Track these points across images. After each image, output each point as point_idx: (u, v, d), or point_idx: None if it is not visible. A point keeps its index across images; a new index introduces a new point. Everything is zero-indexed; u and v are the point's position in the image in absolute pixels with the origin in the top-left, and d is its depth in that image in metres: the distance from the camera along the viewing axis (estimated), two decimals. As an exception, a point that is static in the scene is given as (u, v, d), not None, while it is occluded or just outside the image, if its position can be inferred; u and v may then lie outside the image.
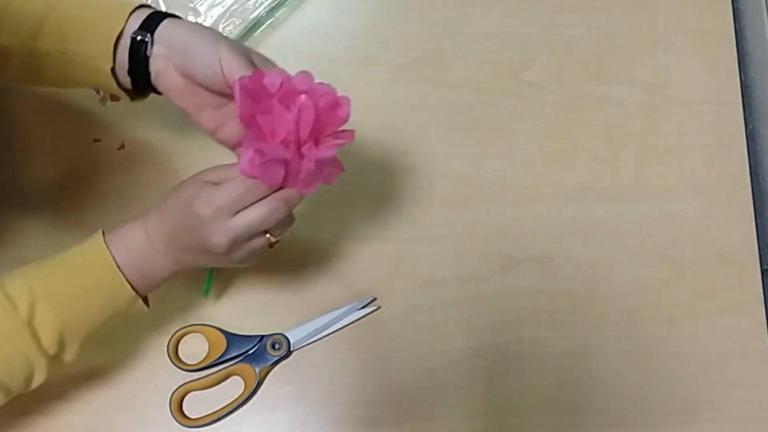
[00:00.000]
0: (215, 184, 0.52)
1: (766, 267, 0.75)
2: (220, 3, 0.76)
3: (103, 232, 0.55)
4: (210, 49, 0.53)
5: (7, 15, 0.55)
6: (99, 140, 0.72)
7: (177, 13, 0.58)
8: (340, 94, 0.52)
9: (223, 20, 0.75)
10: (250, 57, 0.54)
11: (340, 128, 0.53)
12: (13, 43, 0.56)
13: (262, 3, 0.76)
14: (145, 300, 0.57)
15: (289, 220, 0.55)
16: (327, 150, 0.51)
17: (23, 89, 0.71)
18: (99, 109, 0.73)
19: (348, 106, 0.52)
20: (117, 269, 0.54)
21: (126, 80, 0.57)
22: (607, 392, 0.69)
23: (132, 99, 0.59)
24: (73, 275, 0.54)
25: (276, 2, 0.76)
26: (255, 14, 0.76)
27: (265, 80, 0.51)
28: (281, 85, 0.51)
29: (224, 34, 0.58)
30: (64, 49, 0.56)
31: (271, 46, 0.76)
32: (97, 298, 0.54)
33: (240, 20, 0.75)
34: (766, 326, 0.72)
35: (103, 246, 0.54)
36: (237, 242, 0.52)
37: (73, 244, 0.66)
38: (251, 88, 0.50)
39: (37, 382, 0.54)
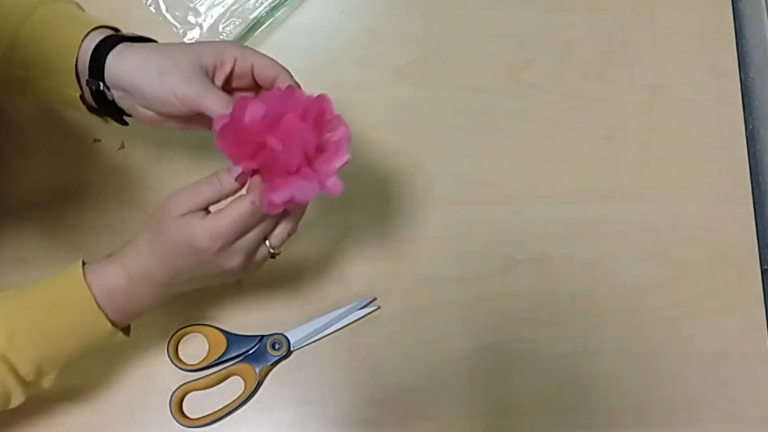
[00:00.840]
0: (202, 209, 0.51)
1: (766, 267, 0.75)
2: (220, 3, 0.76)
3: (83, 266, 0.53)
4: (159, 86, 0.52)
5: None
6: (99, 140, 0.72)
7: (128, 33, 0.57)
8: (310, 95, 0.51)
9: (223, 20, 0.75)
10: (201, 71, 0.53)
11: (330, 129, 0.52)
12: None
13: (262, 3, 0.76)
14: (127, 329, 0.57)
15: (291, 231, 0.55)
16: (340, 159, 0.50)
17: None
18: (99, 109, 0.73)
19: (329, 113, 0.51)
20: (99, 311, 0.53)
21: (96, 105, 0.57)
22: (607, 392, 0.69)
23: (115, 121, 0.59)
24: (52, 312, 0.53)
25: (276, 2, 0.76)
26: (255, 14, 0.76)
27: (246, 120, 0.49)
28: (264, 117, 0.49)
29: (187, 40, 0.56)
30: (34, 76, 0.56)
31: (271, 46, 0.76)
32: (77, 334, 0.54)
33: (240, 20, 0.75)
34: (766, 326, 0.72)
35: (85, 287, 0.52)
36: (249, 257, 0.52)
37: (72, 245, 0.66)
38: (232, 136, 0.49)
39: (14, 404, 0.54)
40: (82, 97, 0.57)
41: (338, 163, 0.50)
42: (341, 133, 0.51)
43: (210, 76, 0.54)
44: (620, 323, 0.71)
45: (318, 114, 0.50)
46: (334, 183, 0.50)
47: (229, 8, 0.76)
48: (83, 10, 0.61)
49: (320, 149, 0.51)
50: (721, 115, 0.78)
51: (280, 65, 0.55)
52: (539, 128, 0.76)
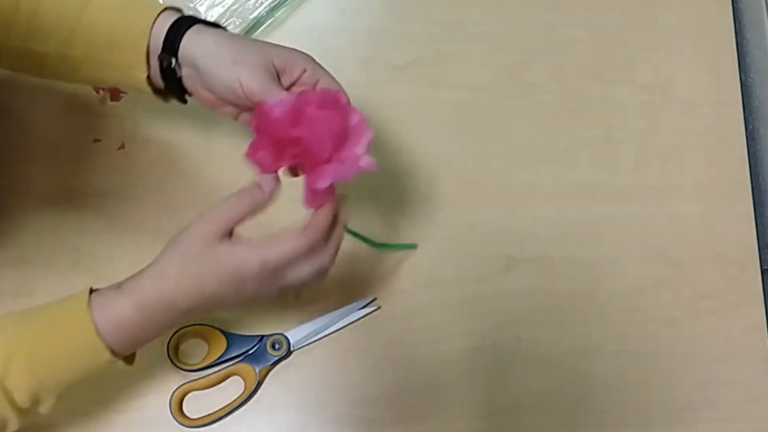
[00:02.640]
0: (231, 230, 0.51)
1: (766, 267, 0.75)
2: (220, 3, 0.76)
3: (89, 295, 0.51)
4: (228, 72, 0.53)
5: (38, 22, 0.55)
6: (99, 140, 0.72)
7: (196, 15, 0.57)
8: (340, 95, 0.53)
9: (223, 20, 0.75)
10: (270, 69, 0.54)
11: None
12: (47, 49, 0.56)
13: (262, 3, 0.76)
14: (131, 357, 0.55)
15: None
16: (365, 135, 0.52)
17: (23, 89, 0.71)
18: (99, 109, 0.73)
19: (340, 93, 0.53)
20: (101, 342, 0.51)
21: (162, 84, 0.57)
22: (607, 392, 0.69)
23: (176, 99, 0.59)
24: (53, 341, 0.51)
25: (276, 2, 0.76)
26: (255, 14, 0.76)
27: (274, 115, 0.51)
28: (287, 113, 0.51)
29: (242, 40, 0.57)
30: (99, 57, 0.56)
31: (271, 46, 0.76)
32: (77, 364, 0.52)
33: (240, 20, 0.75)
34: (766, 326, 0.72)
35: (89, 322, 0.50)
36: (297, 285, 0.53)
37: (72, 245, 0.66)
38: (264, 141, 0.51)
39: (10, 429, 0.53)
40: (148, 77, 0.57)
41: (365, 141, 0.52)
42: (358, 117, 0.53)
43: (276, 77, 0.55)
44: (620, 323, 0.71)
45: (333, 103, 0.52)
46: (367, 161, 0.52)
47: (229, 8, 0.76)
48: None
49: (344, 136, 0.52)
50: (721, 115, 0.78)
51: (340, 86, 0.56)
52: (539, 128, 0.76)
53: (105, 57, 0.57)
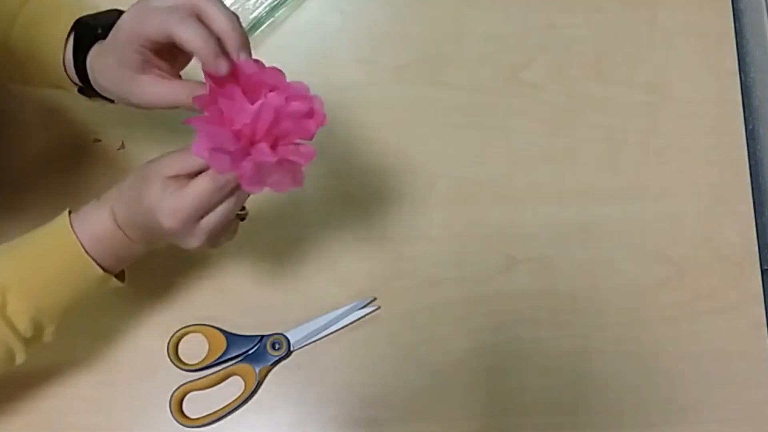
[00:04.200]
0: (174, 177, 0.49)
1: (766, 267, 0.75)
2: (220, 3, 0.76)
3: (69, 215, 0.53)
4: (130, 96, 0.52)
5: None
6: (99, 140, 0.72)
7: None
8: (318, 106, 0.49)
9: (223, 20, 0.75)
10: (150, 65, 0.51)
11: (304, 142, 0.49)
12: None
13: (262, 3, 0.76)
14: (121, 274, 0.57)
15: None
16: (267, 155, 0.47)
17: (23, 88, 0.71)
18: (99, 109, 0.72)
19: (317, 122, 0.49)
20: (88, 258, 0.52)
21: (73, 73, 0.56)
22: (607, 392, 0.69)
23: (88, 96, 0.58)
24: (43, 265, 0.53)
25: (276, 2, 0.76)
26: (255, 14, 0.76)
27: (238, 65, 0.48)
28: (251, 75, 0.48)
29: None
30: (32, 72, 0.57)
31: (271, 46, 0.76)
32: (70, 284, 0.54)
33: (240, 20, 0.75)
34: (766, 326, 0.72)
35: (72, 235, 0.52)
36: (212, 239, 0.51)
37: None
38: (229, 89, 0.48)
39: (18, 362, 0.55)
40: (81, 89, 0.57)
41: (263, 158, 0.47)
42: (298, 156, 0.49)
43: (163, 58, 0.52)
44: (620, 323, 0.71)
45: (300, 115, 0.48)
46: (247, 167, 0.47)
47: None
48: None
49: (273, 145, 0.49)
50: (721, 115, 0.78)
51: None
52: (539, 128, 0.76)
53: (33, 72, 0.57)
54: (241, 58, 0.48)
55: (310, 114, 0.49)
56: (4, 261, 0.53)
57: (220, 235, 0.52)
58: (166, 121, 0.72)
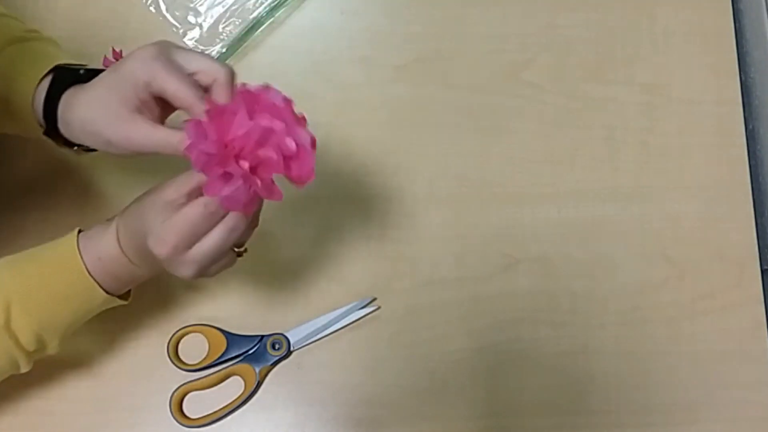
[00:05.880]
0: (173, 202, 0.49)
1: (766, 267, 0.75)
2: (220, 3, 0.76)
3: (78, 234, 0.54)
4: (105, 146, 0.52)
5: None
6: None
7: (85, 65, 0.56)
8: (306, 155, 0.49)
9: (223, 20, 0.75)
10: (134, 112, 0.51)
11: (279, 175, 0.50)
12: None
13: (262, 3, 0.76)
14: (126, 294, 0.57)
15: (251, 227, 0.53)
16: (236, 168, 0.48)
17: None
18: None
19: (300, 170, 0.49)
20: (92, 280, 0.53)
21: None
22: (607, 392, 0.69)
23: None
24: (47, 282, 0.53)
25: (276, 2, 0.76)
26: (255, 14, 0.76)
27: (266, 90, 0.49)
28: (273, 105, 0.48)
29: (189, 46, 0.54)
30: (6, 113, 0.57)
31: (271, 46, 0.76)
32: (73, 303, 0.54)
33: (240, 20, 0.75)
34: (766, 326, 0.72)
35: (77, 257, 0.53)
36: (203, 269, 0.51)
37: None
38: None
39: (23, 371, 0.56)
40: (49, 134, 0.56)
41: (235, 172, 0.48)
42: (268, 192, 0.49)
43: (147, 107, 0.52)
44: (620, 323, 0.71)
45: (292, 155, 0.49)
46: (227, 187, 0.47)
47: (229, 8, 0.76)
48: (58, 47, 0.61)
49: (253, 168, 0.49)
50: (721, 115, 0.78)
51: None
52: (539, 128, 0.76)
53: (7, 115, 0.57)
54: (271, 89, 0.49)
55: (296, 156, 0.49)
56: (10, 274, 0.54)
57: (211, 266, 0.51)
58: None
